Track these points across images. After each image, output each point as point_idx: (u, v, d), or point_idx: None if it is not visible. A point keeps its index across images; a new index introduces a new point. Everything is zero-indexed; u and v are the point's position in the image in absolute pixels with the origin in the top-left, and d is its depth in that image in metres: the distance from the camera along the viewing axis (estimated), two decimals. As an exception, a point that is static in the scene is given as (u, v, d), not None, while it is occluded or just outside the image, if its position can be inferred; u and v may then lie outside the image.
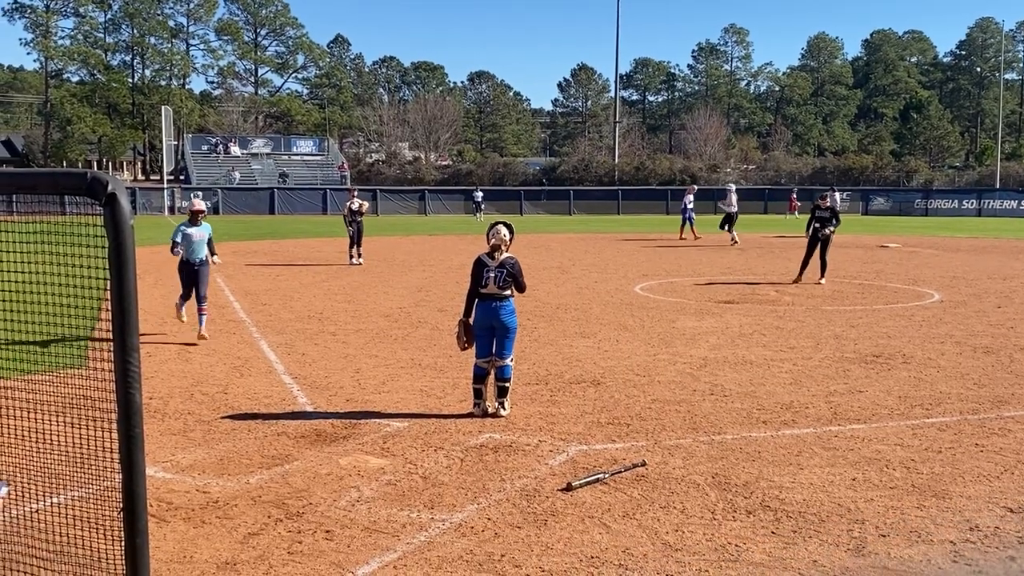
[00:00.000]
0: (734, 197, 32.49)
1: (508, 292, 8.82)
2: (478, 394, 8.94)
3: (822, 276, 20.13)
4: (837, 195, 35.65)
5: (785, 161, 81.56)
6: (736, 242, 31.75)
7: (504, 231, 8.93)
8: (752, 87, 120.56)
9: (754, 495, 6.70)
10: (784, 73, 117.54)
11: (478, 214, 53.02)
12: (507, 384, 8.91)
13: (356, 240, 24.51)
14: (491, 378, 8.93)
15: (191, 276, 13.02)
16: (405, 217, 56.14)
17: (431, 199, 61.45)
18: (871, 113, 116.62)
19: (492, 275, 8.81)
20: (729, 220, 32.27)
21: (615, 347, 12.57)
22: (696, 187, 40.25)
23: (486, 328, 8.85)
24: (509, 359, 8.88)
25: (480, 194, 55.95)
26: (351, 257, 24.50)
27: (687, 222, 34.68)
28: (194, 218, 13.16)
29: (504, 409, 8.87)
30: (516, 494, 6.72)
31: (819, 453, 7.75)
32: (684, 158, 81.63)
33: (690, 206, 34.87)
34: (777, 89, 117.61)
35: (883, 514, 6.32)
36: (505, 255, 8.89)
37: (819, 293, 18.59)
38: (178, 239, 12.88)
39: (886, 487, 6.87)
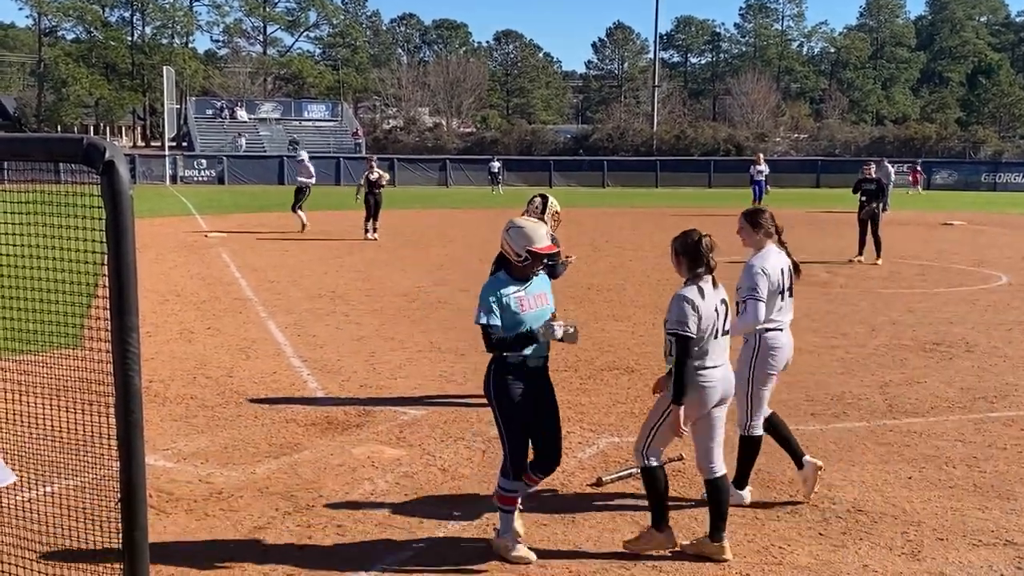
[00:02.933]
0: (311, 167, 26.77)
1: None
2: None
3: (878, 256, 19.98)
4: (890, 168, 35.07)
5: (840, 130, 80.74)
6: (305, 225, 26.00)
7: (539, 202, 8.87)
8: (805, 48, 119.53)
9: (800, 493, 6.69)
10: (840, 33, 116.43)
11: (496, 187, 51.98)
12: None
13: (373, 214, 24.56)
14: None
15: (535, 406, 5.70)
16: (425, 188, 56.13)
17: (453, 169, 61.34)
18: (935, 78, 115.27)
19: None
20: (299, 194, 26.52)
21: (651, 331, 12.53)
22: (763, 155, 39.40)
23: None
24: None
25: (497, 164, 54.01)
26: (366, 231, 24.58)
27: (760, 193, 34.20)
28: (531, 265, 5.60)
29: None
30: (542, 489, 6.74)
31: (872, 449, 7.72)
32: (729, 126, 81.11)
33: (761, 176, 34.42)
34: (832, 51, 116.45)
35: (941, 516, 6.30)
36: None
37: (875, 274, 18.47)
38: (495, 322, 5.47)
39: (945, 486, 6.84)
